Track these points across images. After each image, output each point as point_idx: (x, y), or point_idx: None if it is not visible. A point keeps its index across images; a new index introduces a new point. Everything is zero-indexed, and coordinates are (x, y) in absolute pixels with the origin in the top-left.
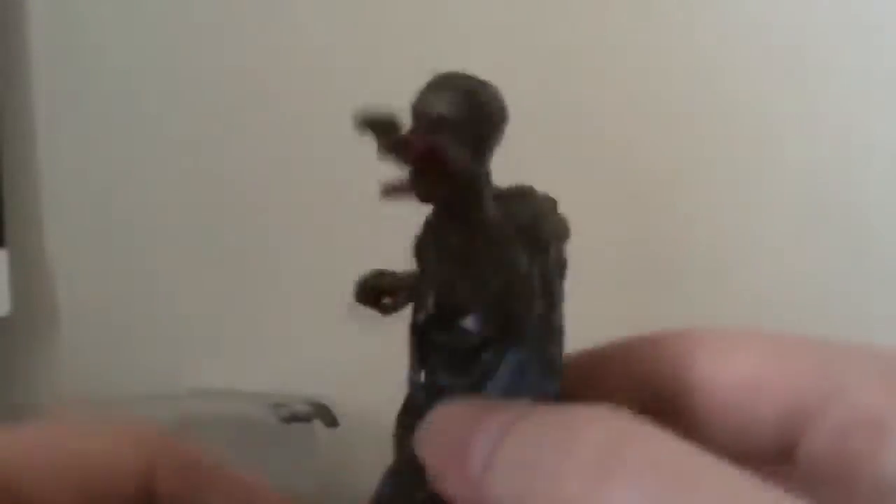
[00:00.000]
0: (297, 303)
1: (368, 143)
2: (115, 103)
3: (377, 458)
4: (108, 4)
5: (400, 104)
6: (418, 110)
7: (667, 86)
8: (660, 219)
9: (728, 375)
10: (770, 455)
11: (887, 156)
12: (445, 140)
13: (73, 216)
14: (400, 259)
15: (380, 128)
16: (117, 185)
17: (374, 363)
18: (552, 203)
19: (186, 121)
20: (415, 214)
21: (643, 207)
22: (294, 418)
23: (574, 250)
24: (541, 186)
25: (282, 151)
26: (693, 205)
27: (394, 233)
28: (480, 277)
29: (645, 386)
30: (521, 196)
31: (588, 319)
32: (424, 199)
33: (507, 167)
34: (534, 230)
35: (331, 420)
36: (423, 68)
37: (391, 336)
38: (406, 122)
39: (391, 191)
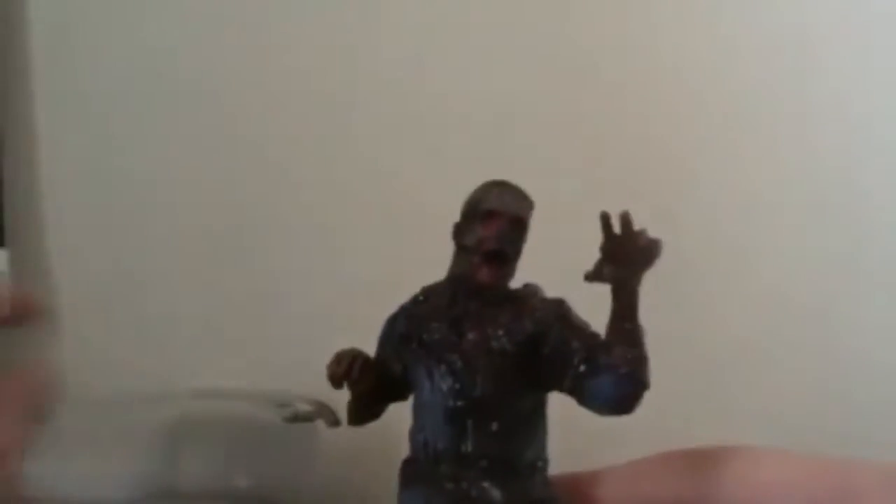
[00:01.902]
0: (300, 303)
1: (369, 148)
2: (115, 104)
3: (378, 457)
4: (108, 6)
5: (399, 103)
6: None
7: (667, 87)
8: (659, 219)
9: (759, 488)
10: None
11: (887, 156)
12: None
13: (73, 216)
14: (399, 259)
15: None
16: (117, 185)
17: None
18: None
19: (186, 122)
20: (411, 220)
21: (643, 208)
22: (297, 418)
23: (574, 250)
24: (541, 186)
25: (282, 153)
26: (693, 205)
27: (393, 233)
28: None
29: (677, 498)
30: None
31: (589, 319)
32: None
33: (507, 166)
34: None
35: (333, 420)
36: (422, 68)
37: None
38: None
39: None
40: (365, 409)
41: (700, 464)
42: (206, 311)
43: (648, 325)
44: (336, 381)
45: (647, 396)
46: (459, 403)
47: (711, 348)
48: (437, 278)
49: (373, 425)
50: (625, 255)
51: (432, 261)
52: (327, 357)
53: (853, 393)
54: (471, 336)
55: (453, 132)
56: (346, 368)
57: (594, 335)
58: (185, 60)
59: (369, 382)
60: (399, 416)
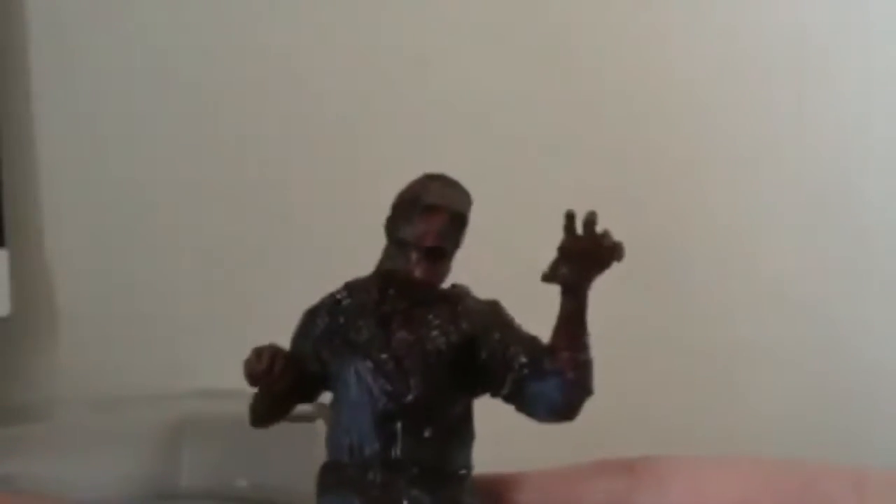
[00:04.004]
0: (299, 302)
1: (368, 148)
2: (114, 105)
3: None
4: (108, 7)
5: (397, 103)
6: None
7: (667, 87)
8: (659, 219)
9: (716, 498)
10: None
11: (888, 156)
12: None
13: (73, 216)
14: None
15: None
16: (117, 186)
17: None
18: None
19: (186, 122)
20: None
21: (642, 208)
22: (296, 418)
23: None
24: (541, 187)
25: (281, 153)
26: (693, 205)
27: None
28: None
29: None
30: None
31: (590, 320)
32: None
33: (508, 166)
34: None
35: None
36: (421, 68)
37: None
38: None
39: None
40: (275, 409)
41: (645, 475)
42: (206, 311)
43: (645, 325)
44: (255, 378)
45: (645, 396)
46: (390, 406)
47: (711, 348)
48: None
49: None
50: (584, 257)
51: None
52: None
53: (853, 392)
54: (401, 335)
55: (454, 132)
56: (268, 365)
57: (534, 338)
58: (186, 61)
59: (288, 381)
60: None
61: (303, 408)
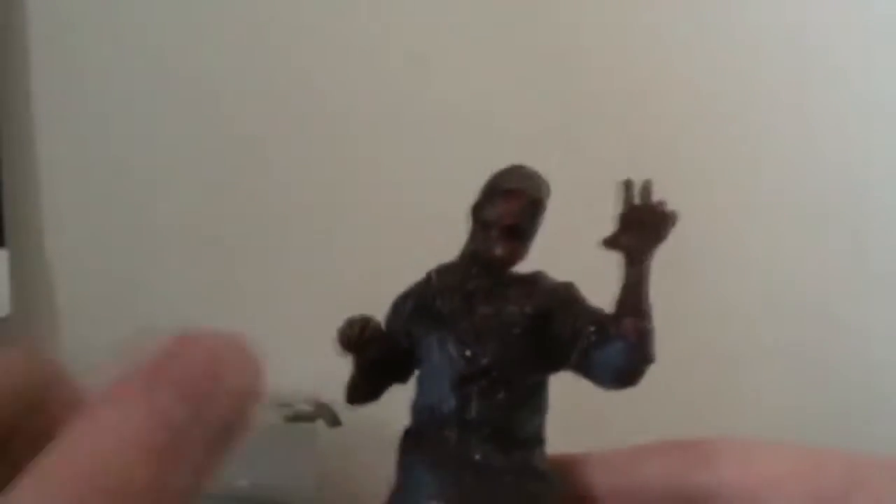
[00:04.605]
0: (300, 302)
1: (367, 146)
2: (114, 104)
3: (379, 457)
4: (109, 7)
5: (400, 103)
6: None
7: (667, 86)
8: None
9: (759, 480)
10: None
11: (887, 157)
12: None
13: (73, 216)
14: (400, 259)
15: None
16: (117, 186)
17: None
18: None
19: (186, 121)
20: (410, 219)
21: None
22: (297, 418)
23: (573, 251)
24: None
25: (281, 153)
26: (693, 204)
27: (394, 234)
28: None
29: (672, 488)
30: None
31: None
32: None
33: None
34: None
35: (334, 420)
36: (421, 68)
37: None
38: None
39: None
40: (367, 384)
41: (698, 454)
42: (207, 311)
43: None
44: (349, 343)
45: (647, 393)
46: (468, 370)
47: (710, 347)
48: None
49: (373, 426)
50: (642, 225)
51: (433, 262)
52: (328, 357)
53: (854, 392)
54: (482, 309)
55: (454, 133)
56: (359, 331)
57: (602, 310)
58: (186, 60)
59: (379, 350)
60: (398, 417)
61: (303, 408)
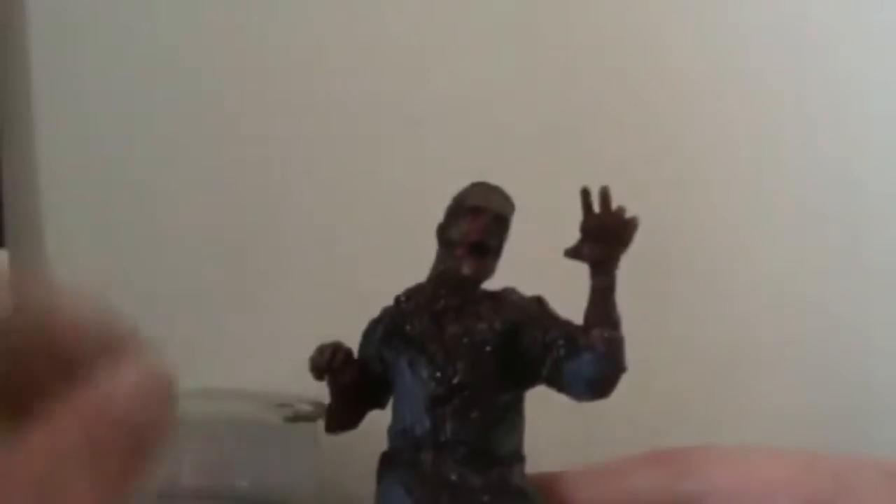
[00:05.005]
0: (300, 302)
1: (367, 146)
2: (114, 104)
3: (378, 457)
4: (110, 7)
5: (397, 106)
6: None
7: (666, 87)
8: (659, 220)
9: (749, 488)
10: None
11: (889, 156)
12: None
13: (73, 216)
14: (400, 259)
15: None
16: (117, 186)
17: None
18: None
19: (186, 121)
20: (410, 218)
21: (642, 209)
22: (297, 418)
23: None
24: (541, 187)
25: (281, 152)
26: (693, 204)
27: (394, 234)
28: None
29: (660, 499)
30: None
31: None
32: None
33: (508, 168)
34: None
35: None
36: (421, 68)
37: None
38: None
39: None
40: (344, 411)
41: (685, 464)
42: (207, 310)
43: (646, 324)
44: (319, 370)
45: (645, 394)
46: (439, 390)
47: (710, 346)
48: None
49: (373, 426)
50: (605, 233)
51: (433, 262)
52: None
53: (854, 391)
54: (451, 329)
55: (454, 133)
56: (329, 357)
57: (571, 323)
58: (186, 60)
59: (351, 375)
60: None
61: (303, 408)
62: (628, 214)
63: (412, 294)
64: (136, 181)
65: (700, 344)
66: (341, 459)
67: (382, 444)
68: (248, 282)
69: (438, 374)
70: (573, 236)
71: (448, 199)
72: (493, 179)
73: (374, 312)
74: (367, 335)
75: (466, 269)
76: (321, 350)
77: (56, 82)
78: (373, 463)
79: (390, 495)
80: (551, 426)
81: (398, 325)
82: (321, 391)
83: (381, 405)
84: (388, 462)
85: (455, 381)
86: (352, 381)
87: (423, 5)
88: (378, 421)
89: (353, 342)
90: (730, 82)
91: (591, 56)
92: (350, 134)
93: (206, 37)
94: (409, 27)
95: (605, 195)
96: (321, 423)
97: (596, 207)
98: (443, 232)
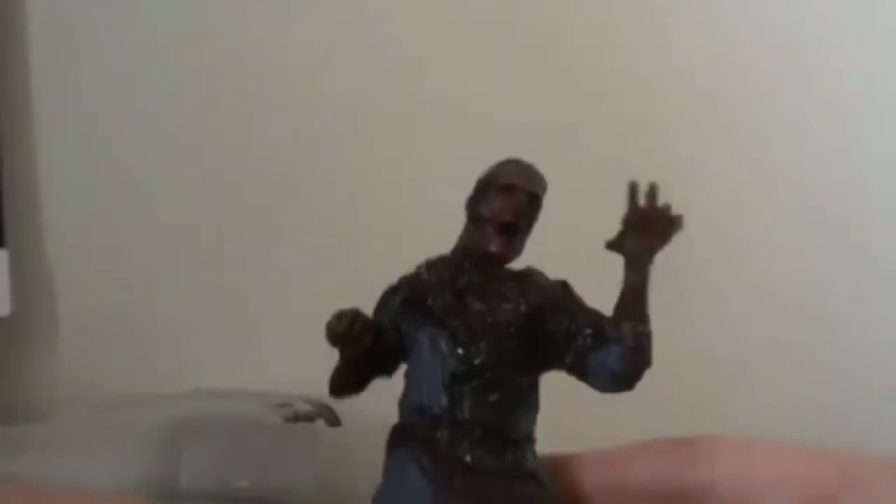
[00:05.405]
0: (300, 304)
1: (367, 146)
2: (114, 104)
3: (379, 457)
4: (109, 7)
5: (397, 105)
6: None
7: (666, 88)
8: None
9: (754, 479)
10: None
11: (889, 156)
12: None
13: (73, 217)
14: (399, 259)
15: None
16: (117, 186)
17: None
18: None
19: (187, 123)
20: (410, 218)
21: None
22: (297, 418)
23: (572, 252)
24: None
25: (282, 154)
26: (692, 206)
27: (394, 233)
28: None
29: (667, 485)
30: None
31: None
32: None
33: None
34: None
35: (333, 420)
36: (421, 68)
37: None
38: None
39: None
40: (352, 377)
41: (694, 451)
42: (207, 311)
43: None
44: (336, 337)
45: (646, 394)
46: (460, 369)
47: (711, 345)
48: None
49: (374, 426)
50: (647, 227)
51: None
52: (327, 357)
53: (854, 391)
54: (475, 305)
55: (454, 132)
56: (348, 325)
57: (598, 312)
58: (186, 61)
59: (367, 343)
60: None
61: (303, 408)
62: (673, 213)
63: (434, 266)
64: (135, 181)
65: (701, 342)
66: (341, 459)
67: (382, 445)
68: (248, 282)
69: (461, 352)
70: (573, 234)
71: (448, 199)
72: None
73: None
74: (384, 303)
75: (495, 248)
76: (340, 316)
77: (56, 82)
78: (372, 463)
79: (404, 471)
80: (552, 412)
81: (418, 297)
82: (321, 391)
83: (389, 373)
84: (400, 436)
85: (477, 361)
86: (367, 349)
87: (423, 5)
88: (379, 421)
89: None
90: (730, 82)
91: (591, 56)
92: (350, 134)
93: (207, 39)
94: (409, 27)
95: (653, 190)
96: (321, 423)
97: (642, 202)
98: (473, 206)
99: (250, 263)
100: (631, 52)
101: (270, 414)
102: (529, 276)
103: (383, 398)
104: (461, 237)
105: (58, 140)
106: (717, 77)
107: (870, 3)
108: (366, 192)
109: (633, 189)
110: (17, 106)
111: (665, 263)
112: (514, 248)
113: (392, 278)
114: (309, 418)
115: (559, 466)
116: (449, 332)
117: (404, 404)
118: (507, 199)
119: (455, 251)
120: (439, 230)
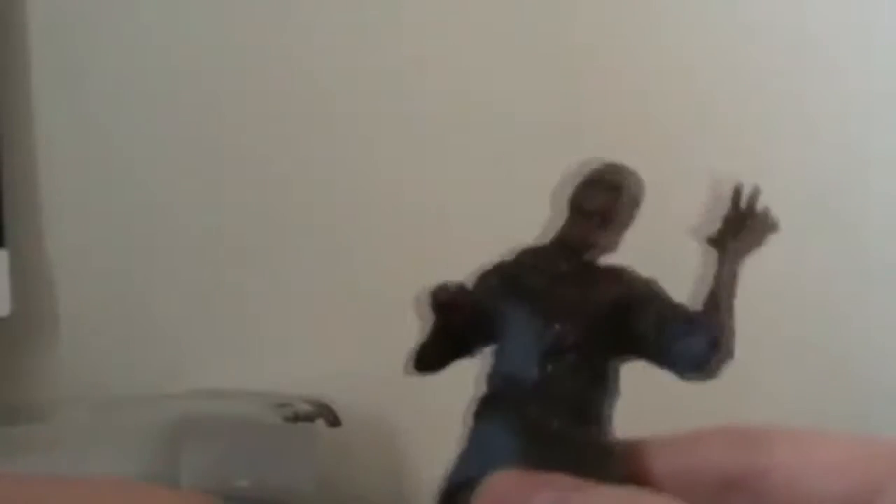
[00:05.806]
0: (300, 302)
1: (367, 146)
2: (115, 104)
3: (379, 457)
4: (110, 7)
5: (397, 104)
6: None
7: (665, 88)
8: (657, 220)
9: (808, 461)
10: None
11: (889, 157)
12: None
13: (73, 216)
14: (400, 259)
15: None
16: (117, 186)
17: (375, 363)
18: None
19: (186, 121)
20: (410, 218)
21: (644, 207)
22: (297, 418)
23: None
24: (541, 187)
25: (282, 153)
26: (691, 206)
27: (394, 233)
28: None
29: (715, 474)
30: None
31: None
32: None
33: (507, 170)
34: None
35: (333, 420)
36: (422, 69)
37: (392, 336)
38: None
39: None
40: (439, 351)
41: (755, 440)
42: (206, 311)
43: None
44: (440, 305)
45: (650, 390)
46: (553, 347)
47: None
48: (438, 279)
49: (373, 425)
50: (746, 229)
51: (434, 261)
52: (327, 357)
53: (854, 391)
54: (571, 290)
55: (454, 133)
56: (454, 293)
57: (684, 304)
58: (186, 61)
59: (464, 317)
60: (399, 418)
61: (303, 408)
62: (772, 217)
63: (530, 252)
64: (136, 181)
65: None
66: (341, 459)
67: (383, 444)
68: (248, 282)
69: (557, 327)
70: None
71: (448, 199)
72: (494, 179)
73: (374, 312)
74: (482, 283)
75: (593, 240)
76: (445, 286)
77: (56, 84)
78: (373, 463)
79: (495, 438)
80: None
81: (517, 277)
82: (321, 391)
83: (473, 354)
84: (490, 404)
85: (571, 339)
86: (462, 323)
87: (423, 5)
88: (378, 421)
89: (355, 342)
90: (730, 82)
91: (591, 56)
92: (350, 134)
93: (207, 38)
94: (409, 27)
95: (755, 195)
96: (321, 423)
97: (743, 204)
98: (576, 199)
99: (250, 263)
100: (631, 52)
101: (270, 414)
102: (621, 270)
103: (383, 398)
104: (562, 227)
105: (58, 140)
106: (718, 77)
107: (870, 3)
108: (366, 192)
109: (737, 191)
110: (17, 106)
111: (665, 263)
112: (612, 242)
113: (394, 279)
114: (309, 418)
115: (632, 450)
116: (546, 311)
117: (493, 374)
118: (611, 195)
119: (554, 241)
120: (439, 230)
